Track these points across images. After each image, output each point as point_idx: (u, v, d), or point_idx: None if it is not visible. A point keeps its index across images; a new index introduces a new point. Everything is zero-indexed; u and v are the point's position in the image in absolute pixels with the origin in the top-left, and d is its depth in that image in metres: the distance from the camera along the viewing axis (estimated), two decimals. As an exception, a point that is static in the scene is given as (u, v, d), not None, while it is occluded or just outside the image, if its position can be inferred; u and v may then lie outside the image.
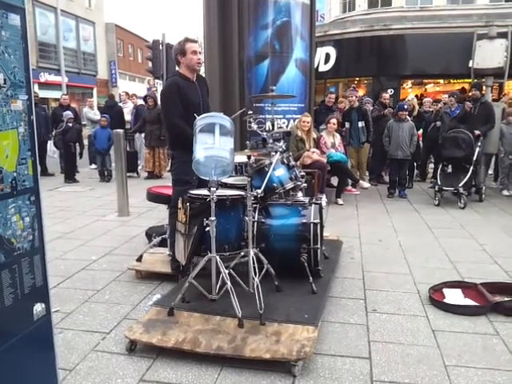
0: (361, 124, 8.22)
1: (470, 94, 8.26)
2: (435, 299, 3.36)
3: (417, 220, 6.02)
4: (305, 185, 3.93)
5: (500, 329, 2.96)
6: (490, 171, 8.99)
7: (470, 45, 8.23)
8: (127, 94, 11.78)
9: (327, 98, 8.93)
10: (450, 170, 7.11)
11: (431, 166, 9.47)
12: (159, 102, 9.46)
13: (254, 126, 3.56)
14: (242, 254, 3.17)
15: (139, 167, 10.29)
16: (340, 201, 7.05)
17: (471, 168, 6.92)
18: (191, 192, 3.26)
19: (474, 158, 6.97)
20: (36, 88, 18.30)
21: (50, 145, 9.88)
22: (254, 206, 3.40)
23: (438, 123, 8.30)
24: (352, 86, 12.67)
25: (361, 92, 17.13)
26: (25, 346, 1.85)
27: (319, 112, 8.52)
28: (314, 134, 7.04)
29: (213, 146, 2.86)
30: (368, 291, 3.60)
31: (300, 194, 4.02)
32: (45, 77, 23.63)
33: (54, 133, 9.99)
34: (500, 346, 2.75)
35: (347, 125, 8.31)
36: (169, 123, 3.71)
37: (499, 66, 7.85)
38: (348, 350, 2.71)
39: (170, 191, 3.99)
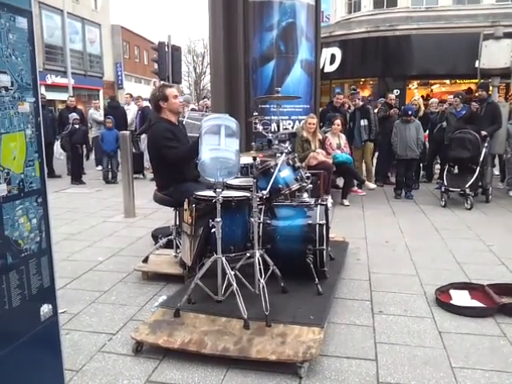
0: (363, 122, 8.20)
1: (477, 94, 8.21)
2: (442, 301, 3.34)
3: (423, 221, 6.00)
4: (310, 186, 3.92)
5: (507, 330, 2.95)
6: (497, 172, 8.93)
7: (476, 45, 8.17)
8: (131, 95, 11.84)
9: (335, 99, 8.86)
10: (456, 170, 7.07)
11: (437, 166, 9.42)
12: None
13: (260, 128, 3.56)
14: (248, 255, 3.17)
15: (145, 169, 10.30)
16: (346, 202, 7.03)
17: (478, 169, 6.87)
18: (197, 193, 3.27)
19: (481, 159, 6.92)
20: (43, 90, 18.39)
21: (57, 147, 9.93)
22: (260, 207, 3.40)
23: (444, 124, 8.27)
24: (352, 87, 12.54)
25: (366, 92, 17.11)
26: (32, 346, 1.86)
27: (326, 113, 8.49)
28: (319, 135, 7.02)
29: (218, 147, 2.86)
30: (374, 293, 3.59)
31: (306, 195, 4.01)
32: (51, 79, 23.75)
33: (60, 135, 10.04)
34: (507, 348, 2.73)
35: (351, 125, 8.30)
36: (175, 159, 3.66)
37: (506, 66, 7.79)
38: (354, 351, 2.70)
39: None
